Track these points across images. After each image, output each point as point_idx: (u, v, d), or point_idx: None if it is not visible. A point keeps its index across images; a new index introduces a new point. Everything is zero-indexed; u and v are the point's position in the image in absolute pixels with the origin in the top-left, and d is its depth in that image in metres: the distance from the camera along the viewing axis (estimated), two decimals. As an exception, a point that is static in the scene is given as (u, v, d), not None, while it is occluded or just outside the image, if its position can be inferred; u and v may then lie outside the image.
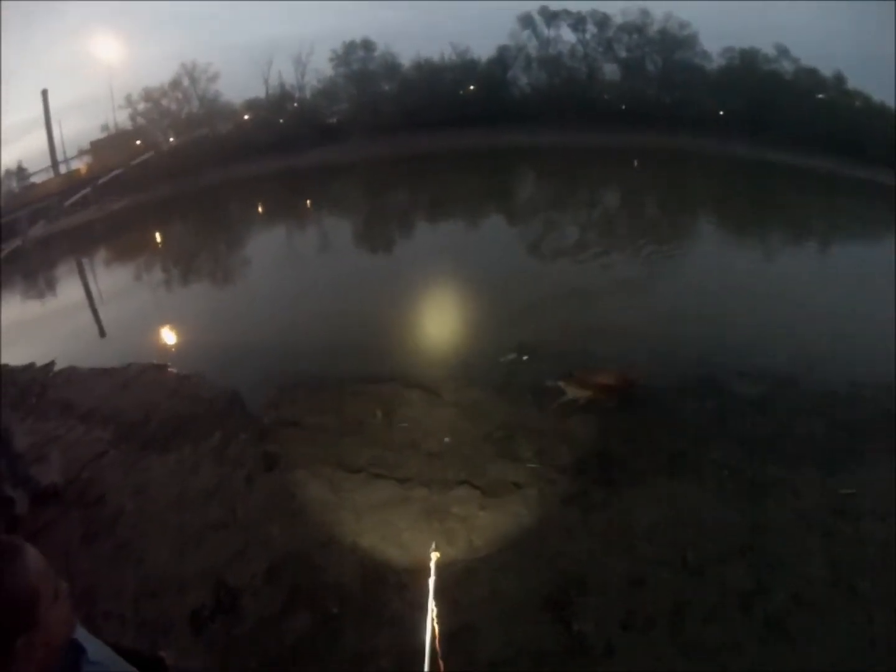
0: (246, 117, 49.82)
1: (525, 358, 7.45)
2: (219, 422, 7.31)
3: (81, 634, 1.55)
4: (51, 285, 22.52)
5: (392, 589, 4.26)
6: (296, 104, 51.05)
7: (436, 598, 3.85)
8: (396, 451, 6.14)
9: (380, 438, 6.44)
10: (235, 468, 6.21)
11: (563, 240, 16.14)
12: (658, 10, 45.65)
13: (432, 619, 2.71)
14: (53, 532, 5.69)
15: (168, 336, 11.67)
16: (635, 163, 31.87)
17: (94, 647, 1.54)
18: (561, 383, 7.19)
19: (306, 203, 28.86)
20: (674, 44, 45.65)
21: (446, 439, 6.29)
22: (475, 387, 7.48)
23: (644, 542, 4.56)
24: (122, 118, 50.25)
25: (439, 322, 10.03)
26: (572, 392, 7.07)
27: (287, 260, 17.68)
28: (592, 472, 5.53)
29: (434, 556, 3.14)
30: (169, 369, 9.52)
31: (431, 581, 2.96)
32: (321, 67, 50.80)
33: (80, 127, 51.97)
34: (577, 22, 48.22)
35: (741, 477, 5.40)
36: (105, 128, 51.02)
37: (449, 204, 22.89)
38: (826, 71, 40.97)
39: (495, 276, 12.23)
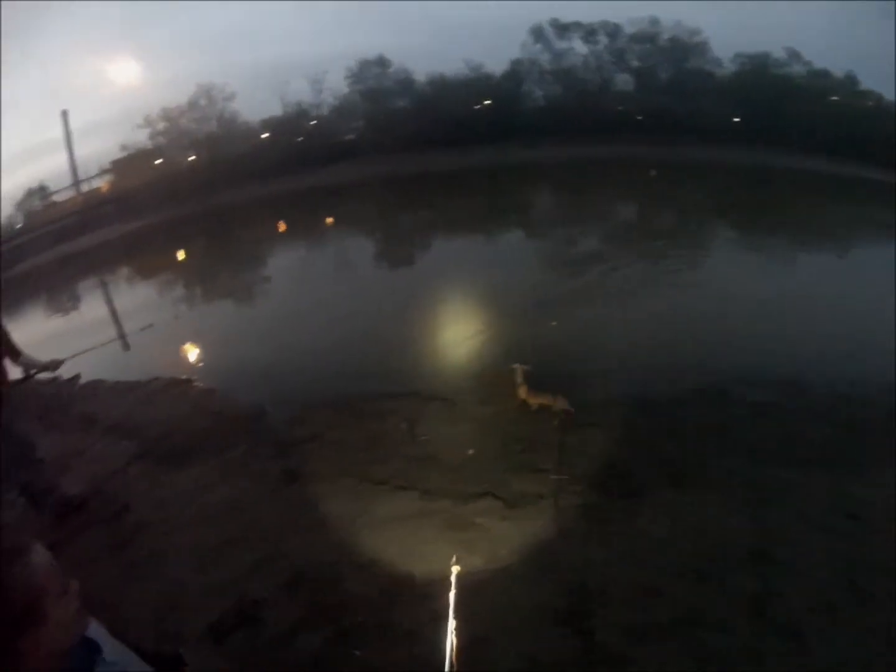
0: (263, 136, 50.14)
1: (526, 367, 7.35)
2: (241, 436, 7.35)
3: (99, 633, 1.58)
4: (74, 301, 22.73)
5: (413, 602, 4.24)
6: (313, 122, 51.35)
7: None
8: (418, 464, 6.14)
9: (402, 451, 6.45)
10: (258, 482, 6.25)
11: (579, 252, 16.05)
12: (668, 19, 45.40)
13: (451, 633, 2.63)
14: (78, 542, 5.75)
15: (191, 352, 11.80)
16: (652, 173, 31.64)
17: (111, 647, 1.57)
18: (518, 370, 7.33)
19: (325, 221, 28.88)
20: (685, 51, 45.66)
21: (469, 451, 6.28)
22: (495, 400, 7.45)
23: (659, 553, 4.53)
24: (142, 138, 50.88)
25: (458, 336, 9.99)
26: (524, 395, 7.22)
27: (306, 277, 17.78)
28: (609, 483, 5.49)
29: (455, 569, 3.10)
30: (192, 384, 9.61)
31: (452, 595, 2.88)
32: (337, 85, 51.24)
33: (100, 146, 52.73)
34: (589, 33, 48.62)
35: (752, 484, 5.35)
36: (125, 147, 51.70)
37: (467, 220, 22.91)
38: (837, 72, 40.62)
39: (511, 290, 12.20)
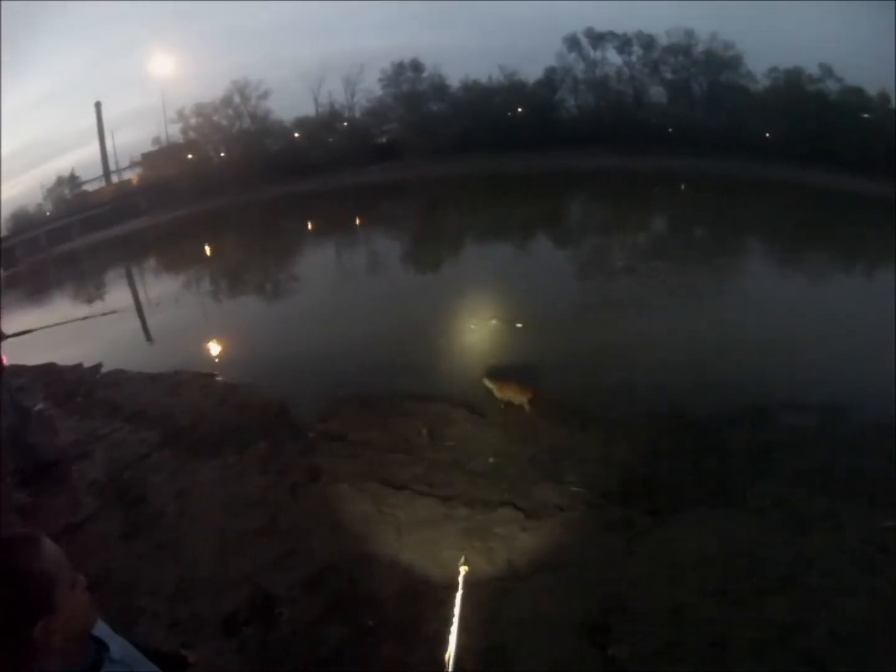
0: (296, 135, 50.43)
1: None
2: (265, 432, 7.40)
3: (105, 632, 1.60)
4: (100, 290, 22.93)
5: (429, 606, 4.22)
6: (345, 123, 51.57)
7: (474, 615, 3.86)
8: (441, 470, 6.12)
9: (425, 456, 6.44)
10: (280, 478, 6.28)
11: (610, 264, 15.93)
12: (703, 31, 45.04)
13: (454, 633, 2.66)
14: (93, 527, 5.85)
15: (217, 345, 11.93)
16: (682, 186, 31.33)
17: (117, 645, 1.59)
18: (488, 383, 7.74)
19: (354, 221, 28.92)
20: (719, 65, 45.18)
21: (491, 459, 6.25)
22: (521, 408, 7.38)
23: (685, 572, 4.47)
24: (174, 132, 51.35)
25: (487, 342, 9.97)
26: (500, 394, 7.57)
27: (334, 276, 17.96)
28: (636, 498, 5.44)
29: (463, 570, 3.15)
30: (217, 378, 9.72)
31: (459, 595, 2.93)
32: (371, 87, 51.33)
33: (132, 139, 53.42)
34: (623, 44, 48.06)
35: (786, 509, 5.25)
36: (157, 141, 52.25)
37: (496, 227, 22.80)
38: (871, 89, 40.00)
39: (544, 297, 12.16)
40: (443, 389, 8.02)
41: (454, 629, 2.66)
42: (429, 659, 3.70)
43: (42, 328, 8.57)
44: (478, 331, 10.65)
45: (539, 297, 12.33)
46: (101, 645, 1.53)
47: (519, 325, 10.57)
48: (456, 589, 2.96)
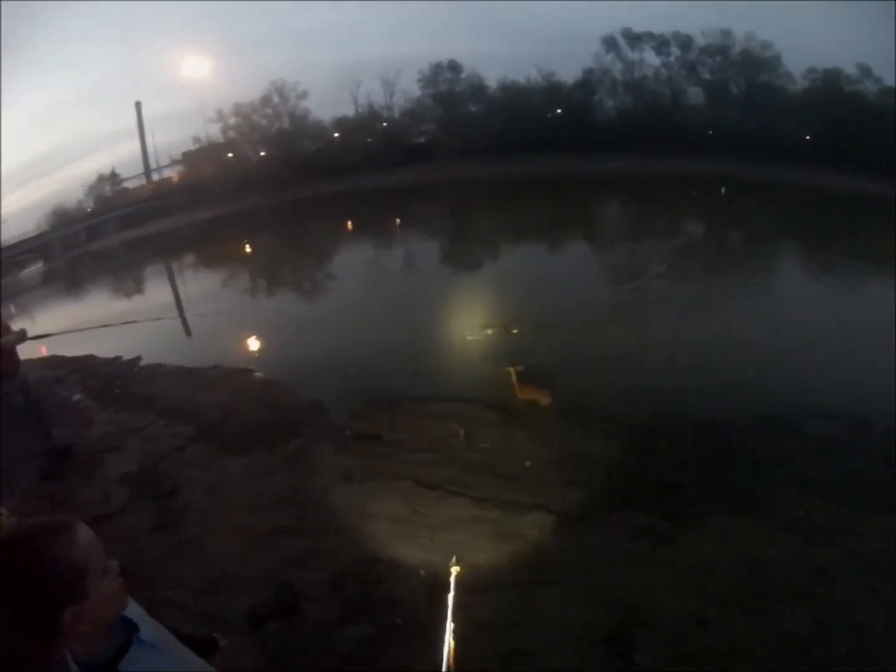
0: (335, 135, 50.80)
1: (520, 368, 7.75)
2: (299, 430, 7.41)
3: (137, 613, 1.61)
4: (139, 285, 23.28)
5: (458, 608, 4.10)
6: (384, 124, 51.83)
7: (498, 618, 4.00)
8: (474, 472, 6.06)
9: (458, 457, 6.38)
10: (311, 476, 6.27)
11: (641, 266, 15.67)
12: (740, 31, 44.41)
13: (449, 635, 2.69)
14: (123, 518, 5.89)
15: (253, 342, 12.04)
16: (722, 190, 30.87)
17: (148, 627, 1.60)
18: (512, 371, 8.06)
19: (392, 222, 29.15)
20: (757, 66, 44.44)
21: (525, 463, 6.15)
22: (559, 413, 7.32)
23: (706, 581, 4.38)
24: (213, 131, 52.17)
25: (524, 344, 9.78)
26: (521, 395, 7.77)
27: (370, 276, 18.02)
28: (662, 506, 5.35)
29: (454, 570, 3.23)
30: (253, 374, 9.82)
31: (451, 597, 2.97)
32: (409, 88, 51.64)
33: (173, 138, 54.44)
34: (661, 44, 47.74)
35: (808, 519, 5.09)
36: (197, 140, 53.14)
37: (533, 228, 22.77)
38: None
39: (574, 301, 12.02)
40: (475, 392, 7.93)
41: (448, 631, 2.69)
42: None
43: (61, 333, 8.69)
44: (506, 333, 10.50)
45: (567, 300, 12.25)
46: (131, 626, 1.54)
47: (545, 328, 10.45)
48: (448, 590, 3.00)
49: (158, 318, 10.42)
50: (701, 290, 13.02)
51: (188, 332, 13.59)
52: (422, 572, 4.59)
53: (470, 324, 10.90)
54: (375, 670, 3.84)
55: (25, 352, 8.77)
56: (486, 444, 6.62)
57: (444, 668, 2.54)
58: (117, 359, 11.61)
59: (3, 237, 49.62)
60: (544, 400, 7.46)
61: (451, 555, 4.64)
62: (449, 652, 2.61)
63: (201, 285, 21.21)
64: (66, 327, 11.03)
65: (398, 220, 29.51)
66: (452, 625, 2.74)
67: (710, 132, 42.49)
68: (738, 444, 6.47)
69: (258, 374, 9.76)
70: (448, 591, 2.95)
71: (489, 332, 10.57)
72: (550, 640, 3.91)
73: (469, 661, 3.55)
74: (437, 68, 50.94)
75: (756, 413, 7.15)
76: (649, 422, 6.96)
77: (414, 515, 5.36)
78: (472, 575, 4.43)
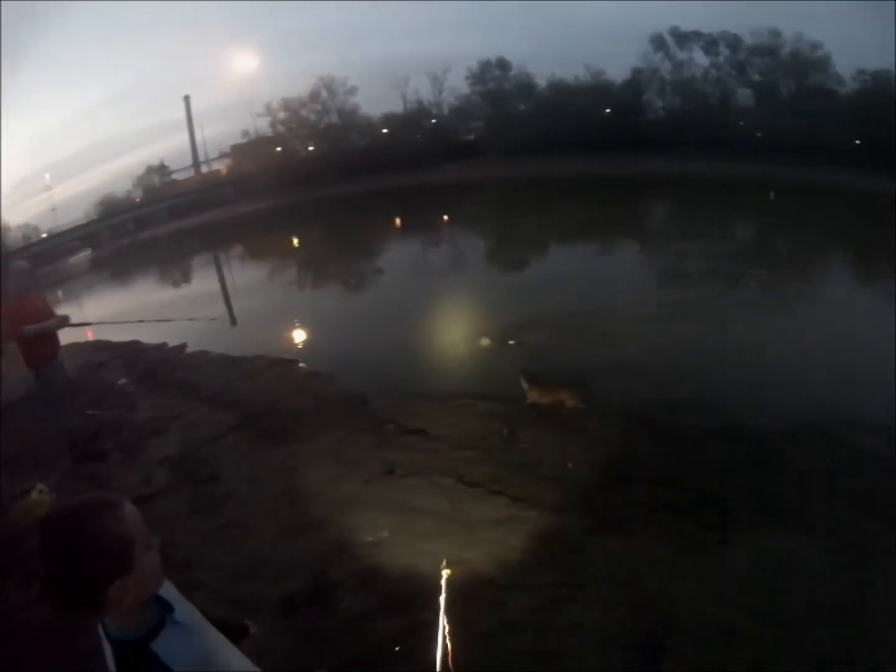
0: (383, 131, 51.01)
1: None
2: (341, 422, 7.41)
3: (172, 594, 1.64)
4: (185, 275, 23.58)
5: (488, 606, 4.12)
6: (432, 120, 51.88)
7: (527, 619, 3.95)
8: (515, 471, 5.98)
9: (501, 456, 6.31)
10: (352, 468, 6.24)
11: (691, 270, 15.30)
12: (789, 31, 43.31)
13: (444, 636, 2.80)
14: (162, 501, 5.98)
15: (298, 334, 12.18)
16: (771, 194, 30.12)
17: (182, 608, 1.62)
18: (524, 382, 7.60)
19: (439, 218, 29.11)
20: (806, 66, 43.25)
21: (568, 465, 6.04)
22: (603, 416, 7.14)
23: (740, 592, 4.24)
24: (262, 126, 52.85)
25: (571, 344, 9.63)
26: (532, 396, 7.48)
27: (419, 272, 18.02)
28: (701, 514, 5.19)
29: (445, 573, 3.28)
30: (297, 365, 9.88)
31: (443, 598, 3.06)
32: (457, 85, 51.55)
33: (221, 131, 55.43)
34: (709, 44, 46.78)
35: (848, 536, 4.86)
36: (245, 133, 53.88)
37: (581, 228, 22.53)
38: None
39: (619, 303, 11.75)
40: (519, 392, 7.74)
41: (442, 631, 2.79)
42: (480, 657, 3.66)
43: (100, 323, 8.81)
44: (549, 334, 10.29)
45: (612, 301, 12.01)
46: (165, 606, 1.56)
47: (587, 330, 10.27)
48: (440, 592, 3.08)
49: (192, 319, 10.47)
50: (749, 296, 12.63)
51: (234, 322, 13.71)
52: (456, 569, 4.49)
53: (513, 324, 10.73)
54: (404, 663, 3.77)
55: (71, 336, 8.92)
56: (528, 444, 6.54)
57: (438, 668, 2.62)
58: (163, 345, 11.78)
59: (52, 225, 51.17)
60: (570, 401, 7.28)
61: (487, 553, 4.68)
62: (445, 652, 2.71)
63: (247, 276, 21.48)
64: (107, 316, 11.19)
65: (445, 217, 29.41)
66: (447, 626, 2.80)
67: (760, 134, 41.50)
68: (782, 454, 6.27)
69: (302, 365, 9.82)
70: (440, 592, 2.82)
71: (531, 331, 10.37)
72: (579, 644, 3.83)
73: (497, 662, 3.62)
74: (486, 66, 50.89)
75: (802, 423, 6.91)
76: (692, 428, 6.79)
77: (454, 512, 5.31)
78: (505, 574, 4.42)
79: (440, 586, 2.90)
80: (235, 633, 1.95)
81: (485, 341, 9.62)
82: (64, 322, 6.69)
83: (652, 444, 6.43)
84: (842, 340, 9.51)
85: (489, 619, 3.99)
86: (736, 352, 9.04)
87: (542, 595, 4.19)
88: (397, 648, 3.83)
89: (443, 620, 2.72)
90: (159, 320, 10.17)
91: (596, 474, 5.86)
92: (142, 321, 9.75)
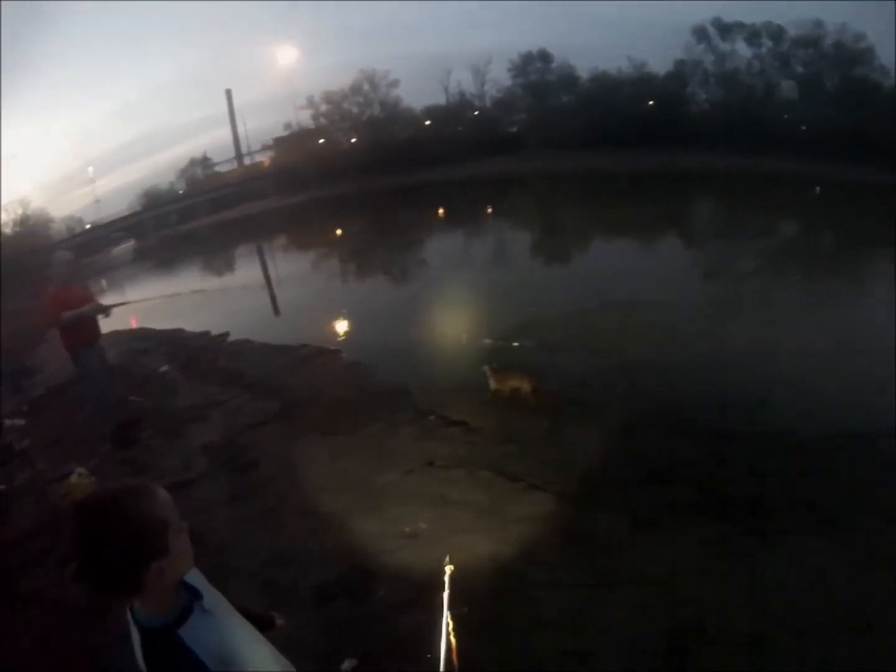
0: (426, 123, 50.93)
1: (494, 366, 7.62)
2: (383, 413, 7.41)
3: (199, 582, 1.63)
4: (229, 264, 23.81)
5: (523, 604, 4.12)
6: (475, 113, 51.65)
7: (557, 618, 3.92)
8: (555, 467, 5.89)
9: (542, 452, 6.23)
10: (392, 459, 6.23)
11: (734, 267, 14.93)
12: (831, 22, 41.94)
13: (447, 634, 2.65)
14: (201, 487, 6.08)
15: (340, 324, 12.20)
16: (817, 189, 29.31)
17: (210, 596, 1.62)
18: (487, 370, 7.67)
19: (482, 211, 29.12)
20: (850, 58, 41.86)
21: (608, 463, 5.95)
22: (643, 415, 6.99)
23: (771, 600, 4.09)
24: (304, 118, 53.17)
25: (612, 340, 9.41)
26: (494, 383, 7.57)
27: (463, 265, 17.87)
28: (737, 518, 5.05)
29: (448, 569, 3.00)
30: (340, 355, 9.92)
31: (446, 595, 2.84)
32: (499, 77, 51.23)
33: (264, 124, 56.00)
34: (752, 35, 45.54)
35: (886, 548, 4.62)
36: (288, 126, 54.26)
37: (623, 223, 22.19)
38: None
39: (661, 300, 11.40)
40: (562, 387, 7.71)
41: (445, 629, 2.64)
42: (511, 654, 3.69)
43: (137, 301, 8.96)
44: (587, 328, 10.13)
45: (654, 296, 11.70)
46: (193, 593, 1.57)
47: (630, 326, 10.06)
48: (443, 588, 2.86)
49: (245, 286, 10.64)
50: (794, 295, 12.25)
51: (277, 311, 13.75)
52: (492, 563, 4.48)
53: (552, 319, 10.59)
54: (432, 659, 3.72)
55: (115, 323, 8.99)
56: (571, 441, 6.43)
57: (441, 668, 2.53)
58: (206, 333, 11.84)
59: (97, 216, 52.28)
60: (526, 387, 7.31)
61: (523, 549, 4.63)
62: (449, 650, 2.60)
63: (290, 267, 21.63)
64: (149, 306, 11.34)
65: (489, 210, 29.18)
66: (451, 623, 2.67)
67: (804, 127, 40.34)
68: (824, 461, 6.02)
69: (345, 356, 9.83)
70: (443, 589, 2.83)
71: (572, 326, 10.21)
72: (608, 645, 3.77)
73: (524, 659, 3.65)
74: (528, 58, 50.46)
75: (844, 429, 6.59)
76: (729, 431, 6.60)
77: (493, 506, 5.26)
78: (539, 572, 4.38)
79: (443, 583, 2.77)
80: (262, 625, 1.97)
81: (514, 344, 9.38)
82: (99, 309, 6.89)
83: (694, 446, 6.27)
84: (890, 342, 9.18)
85: (520, 618, 3.97)
86: (783, 353, 8.71)
87: (575, 594, 4.14)
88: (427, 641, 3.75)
89: (446, 617, 2.66)
90: (194, 291, 10.31)
91: (637, 474, 5.78)
92: (175, 295, 9.89)
